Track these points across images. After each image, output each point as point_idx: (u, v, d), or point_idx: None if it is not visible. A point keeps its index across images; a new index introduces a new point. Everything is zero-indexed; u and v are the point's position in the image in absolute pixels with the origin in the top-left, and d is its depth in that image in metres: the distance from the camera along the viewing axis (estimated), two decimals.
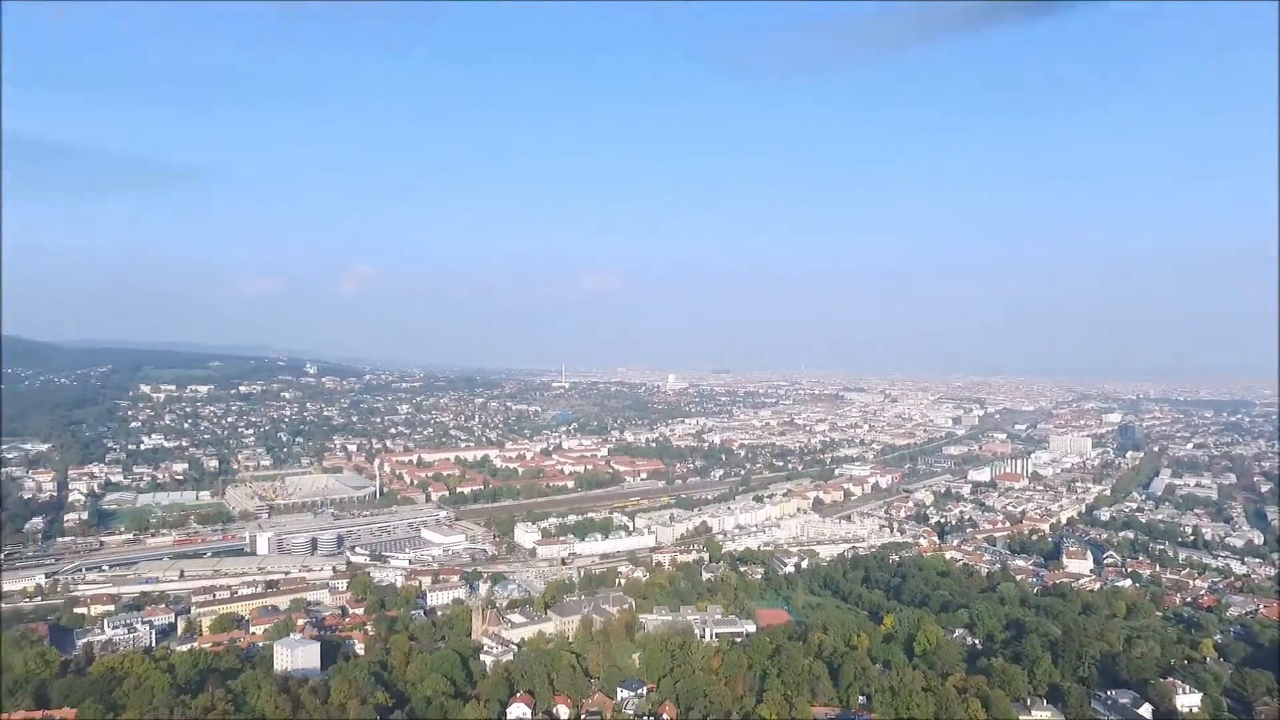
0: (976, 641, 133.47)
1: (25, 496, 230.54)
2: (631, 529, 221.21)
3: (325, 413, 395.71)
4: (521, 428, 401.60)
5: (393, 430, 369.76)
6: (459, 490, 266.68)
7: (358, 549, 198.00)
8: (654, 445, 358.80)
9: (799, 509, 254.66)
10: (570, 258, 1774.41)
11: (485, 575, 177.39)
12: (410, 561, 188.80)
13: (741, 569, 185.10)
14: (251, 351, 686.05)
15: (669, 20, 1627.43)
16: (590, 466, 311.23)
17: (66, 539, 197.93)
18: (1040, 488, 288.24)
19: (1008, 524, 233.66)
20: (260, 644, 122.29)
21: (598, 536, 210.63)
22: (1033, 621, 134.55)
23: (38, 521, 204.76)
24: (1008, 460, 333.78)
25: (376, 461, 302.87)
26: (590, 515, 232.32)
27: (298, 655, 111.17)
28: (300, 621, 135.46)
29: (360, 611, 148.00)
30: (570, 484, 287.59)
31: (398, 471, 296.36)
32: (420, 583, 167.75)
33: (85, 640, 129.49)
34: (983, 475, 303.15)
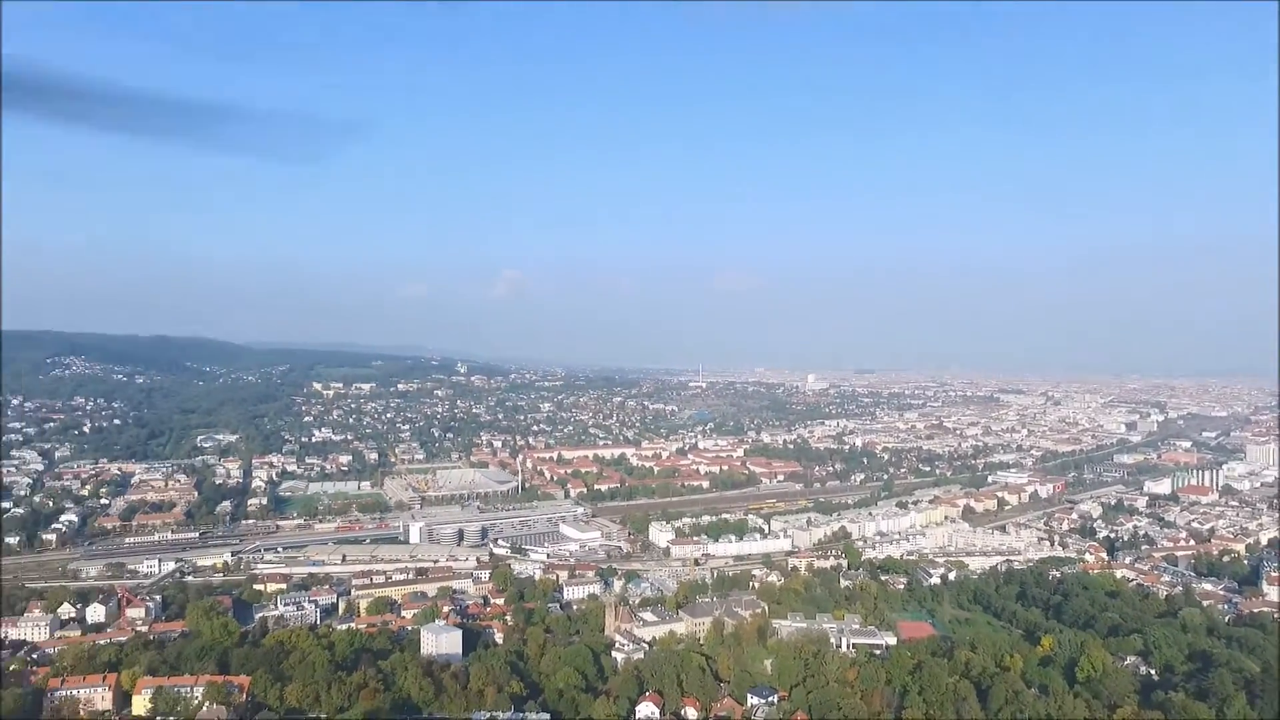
0: (1152, 672, 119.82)
1: (217, 482, 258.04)
2: (767, 531, 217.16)
3: (474, 410, 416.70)
4: (658, 427, 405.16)
5: (535, 428, 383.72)
6: (596, 487, 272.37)
7: (500, 541, 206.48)
8: (792, 447, 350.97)
9: (946, 517, 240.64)
10: (709, 257, 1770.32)
11: (620, 572, 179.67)
12: (549, 555, 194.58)
13: (883, 578, 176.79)
14: (409, 352, 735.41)
15: (818, 19, 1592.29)
16: (726, 467, 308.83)
17: (249, 521, 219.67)
18: (1234, 503, 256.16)
19: (1193, 542, 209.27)
20: (409, 627, 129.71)
21: (732, 538, 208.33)
22: (1223, 654, 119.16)
23: (226, 505, 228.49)
24: (1193, 471, 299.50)
25: (519, 458, 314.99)
26: (725, 516, 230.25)
27: (442, 641, 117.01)
28: (446, 609, 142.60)
29: (500, 602, 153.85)
30: (705, 484, 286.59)
31: (539, 468, 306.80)
32: (557, 576, 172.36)
33: (261, 614, 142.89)
34: (1162, 487, 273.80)
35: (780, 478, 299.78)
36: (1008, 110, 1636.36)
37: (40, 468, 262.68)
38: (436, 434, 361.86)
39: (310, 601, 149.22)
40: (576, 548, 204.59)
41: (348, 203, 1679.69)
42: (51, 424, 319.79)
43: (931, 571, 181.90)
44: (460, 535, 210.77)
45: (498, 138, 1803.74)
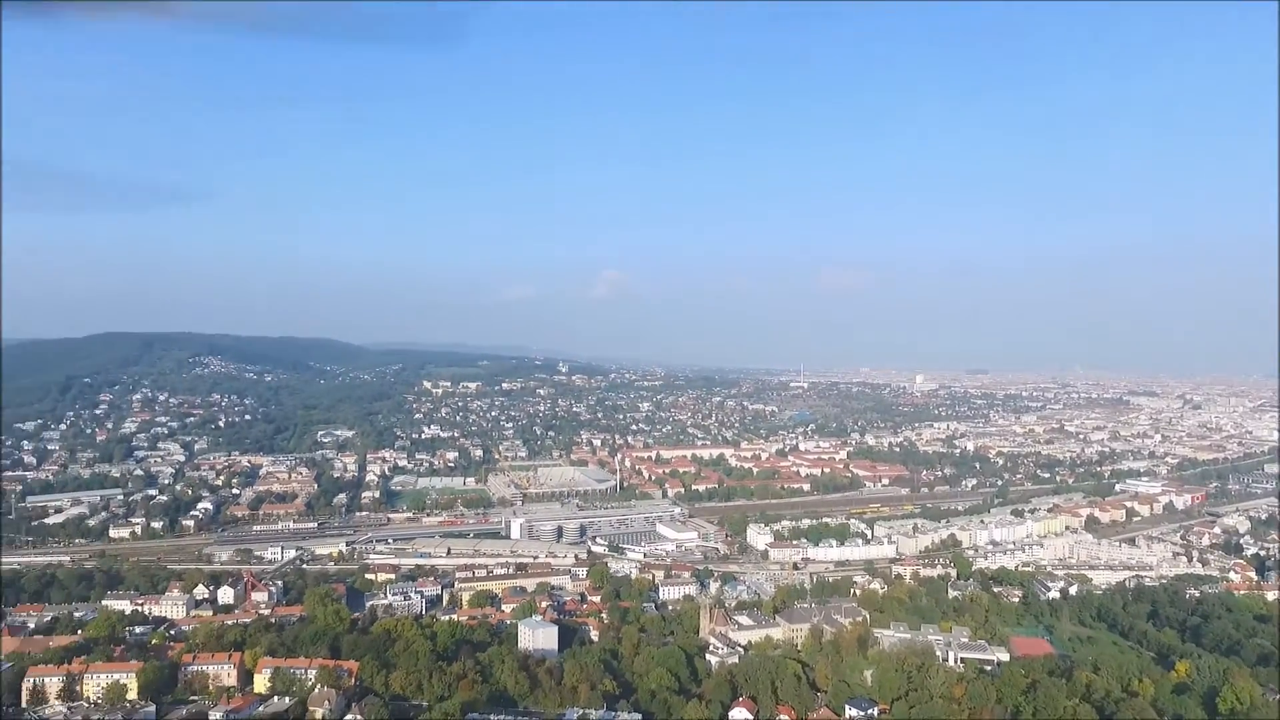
0: None
1: (335, 475, 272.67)
2: (870, 537, 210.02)
3: (574, 409, 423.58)
4: (757, 427, 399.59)
5: (634, 427, 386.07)
6: (694, 488, 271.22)
7: (598, 539, 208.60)
8: (897, 450, 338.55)
9: (1067, 527, 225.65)
10: (812, 254, 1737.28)
11: (716, 574, 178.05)
12: (645, 555, 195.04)
13: (995, 589, 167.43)
14: (513, 352, 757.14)
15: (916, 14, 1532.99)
16: (827, 469, 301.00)
17: (363, 514, 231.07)
18: None
19: None
20: (508, 621, 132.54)
21: (833, 542, 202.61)
22: None
23: (342, 497, 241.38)
24: None
25: (618, 457, 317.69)
26: (825, 520, 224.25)
27: (538, 636, 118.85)
28: (543, 604, 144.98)
29: (597, 599, 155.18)
30: (806, 486, 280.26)
31: (637, 467, 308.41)
32: (653, 576, 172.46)
33: (371, 603, 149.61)
34: None
35: (885, 482, 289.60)
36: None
37: (181, 459, 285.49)
38: (538, 432, 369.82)
39: (416, 592, 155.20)
40: (673, 548, 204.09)
41: (460, 206, 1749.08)
42: (191, 418, 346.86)
43: (1050, 585, 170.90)
44: (559, 532, 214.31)
45: (599, 138, 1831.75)
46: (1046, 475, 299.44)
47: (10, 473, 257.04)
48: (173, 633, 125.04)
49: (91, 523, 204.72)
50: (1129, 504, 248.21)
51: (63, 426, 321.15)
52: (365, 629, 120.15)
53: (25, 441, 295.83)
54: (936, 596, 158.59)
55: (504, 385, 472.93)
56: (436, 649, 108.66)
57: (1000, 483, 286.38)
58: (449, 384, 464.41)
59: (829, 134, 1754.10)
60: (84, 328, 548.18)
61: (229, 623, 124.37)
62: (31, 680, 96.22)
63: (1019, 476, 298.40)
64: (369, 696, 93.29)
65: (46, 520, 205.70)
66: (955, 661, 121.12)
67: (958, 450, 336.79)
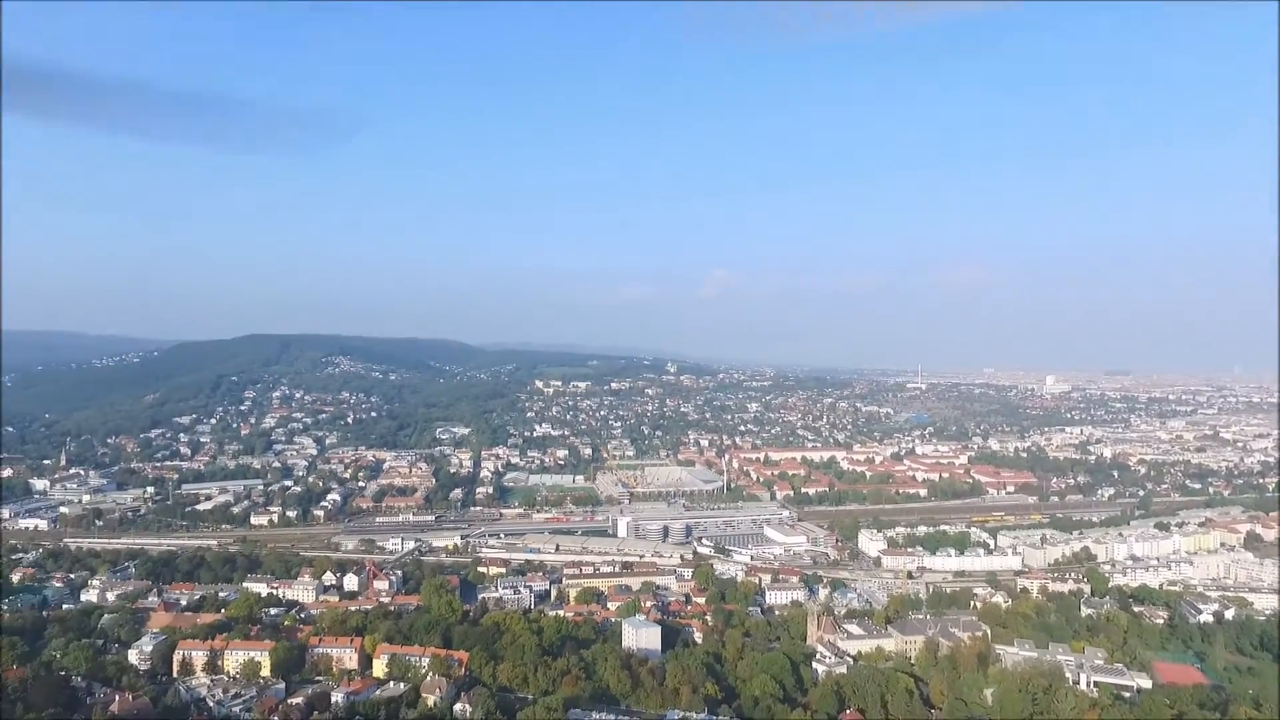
0: None
1: (451, 471, 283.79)
2: (992, 547, 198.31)
3: (682, 409, 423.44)
4: (871, 430, 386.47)
5: (742, 427, 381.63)
6: (803, 490, 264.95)
7: (704, 540, 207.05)
8: (1024, 455, 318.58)
9: (1223, 544, 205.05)
10: (931, 250, 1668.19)
11: (825, 580, 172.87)
12: (752, 558, 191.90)
13: (1135, 609, 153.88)
14: (623, 352, 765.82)
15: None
16: (946, 474, 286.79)
17: (477, 508, 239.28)
18: None
19: None
20: (612, 619, 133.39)
21: (951, 551, 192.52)
22: None
23: (458, 492, 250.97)
24: None
25: (725, 457, 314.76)
26: (944, 527, 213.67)
27: (641, 635, 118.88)
28: (648, 604, 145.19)
29: (701, 601, 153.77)
30: (922, 492, 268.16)
31: (745, 468, 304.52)
32: (760, 580, 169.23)
33: (483, 595, 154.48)
34: None
35: (1010, 489, 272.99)
36: None
37: (314, 452, 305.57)
38: (646, 431, 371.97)
39: (525, 586, 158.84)
40: (780, 551, 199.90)
41: (576, 209, 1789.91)
42: (323, 415, 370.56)
43: (1201, 607, 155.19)
44: (665, 532, 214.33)
45: (716, 140, 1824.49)
46: (1197, 486, 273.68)
47: (169, 463, 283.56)
48: (302, 616, 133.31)
49: (235, 510, 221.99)
50: None
51: (213, 421, 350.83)
52: (476, 621, 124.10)
53: (182, 434, 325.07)
54: (1067, 614, 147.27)
55: (613, 385, 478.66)
56: (542, 644, 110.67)
57: (1142, 493, 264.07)
58: (560, 383, 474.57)
59: (939, 126, 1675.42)
60: (233, 330, 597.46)
61: (352, 609, 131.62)
62: (181, 653, 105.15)
63: (1164, 487, 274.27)
64: (477, 686, 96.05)
65: (198, 507, 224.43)
66: (1088, 685, 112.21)
67: (1093, 457, 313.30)
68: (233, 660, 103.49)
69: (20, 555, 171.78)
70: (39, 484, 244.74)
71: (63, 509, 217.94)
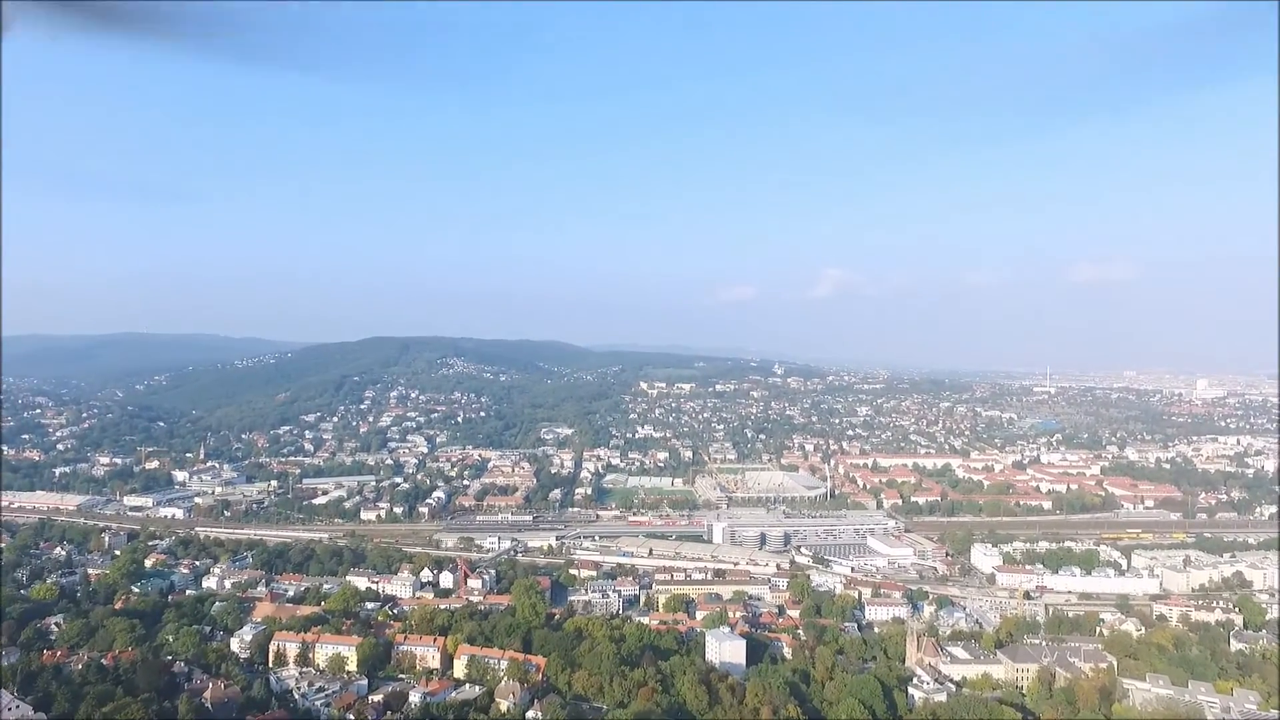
0: None
1: (552, 471, 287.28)
2: (1125, 568, 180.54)
3: (787, 412, 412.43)
4: (991, 436, 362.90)
5: (849, 432, 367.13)
6: (913, 499, 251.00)
7: (802, 549, 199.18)
8: (1168, 467, 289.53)
9: None
10: (1064, 247, 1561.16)
11: (931, 596, 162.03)
12: (852, 569, 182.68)
13: None
14: (730, 354, 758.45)
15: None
16: (1075, 486, 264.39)
17: (574, 509, 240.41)
18: None
19: None
20: (698, 629, 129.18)
21: (1076, 571, 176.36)
22: None
23: (557, 493, 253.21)
24: None
25: (830, 463, 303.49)
26: (1069, 544, 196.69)
27: (725, 648, 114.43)
28: (737, 614, 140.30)
29: (795, 614, 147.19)
30: (1046, 504, 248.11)
31: (851, 474, 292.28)
32: (859, 594, 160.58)
33: (572, 598, 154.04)
34: None
35: (1148, 503, 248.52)
36: None
37: (424, 450, 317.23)
38: (749, 435, 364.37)
39: (614, 591, 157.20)
40: (884, 564, 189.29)
41: (683, 209, 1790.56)
42: (436, 414, 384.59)
43: None
44: (762, 539, 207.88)
45: (824, 139, 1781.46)
46: None
47: (293, 458, 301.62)
48: (395, 611, 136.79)
49: (347, 505, 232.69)
50: None
51: (335, 419, 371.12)
52: (559, 625, 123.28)
53: (307, 431, 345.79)
54: (1213, 648, 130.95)
55: (717, 386, 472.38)
56: (622, 653, 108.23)
57: None
58: (664, 385, 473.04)
59: (1080, 117, 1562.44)
60: (359, 333, 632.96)
61: (442, 607, 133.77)
62: (277, 644, 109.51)
63: None
64: (551, 694, 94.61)
65: (315, 501, 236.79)
66: None
67: (1250, 470, 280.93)
68: (322, 654, 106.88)
69: (156, 541, 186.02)
70: (179, 475, 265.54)
71: (197, 499, 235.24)
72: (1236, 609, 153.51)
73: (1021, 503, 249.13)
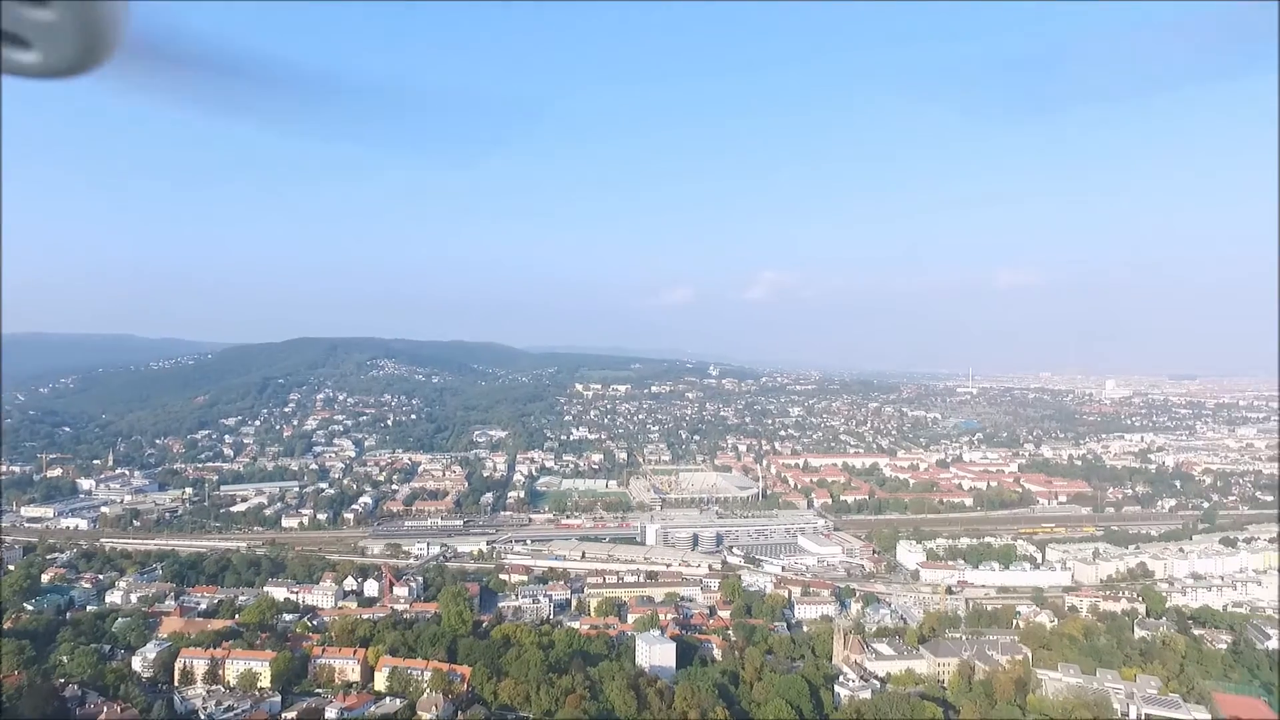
0: None
1: (485, 474, 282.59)
2: (1040, 561, 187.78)
3: (722, 413, 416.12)
4: (917, 436, 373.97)
5: (782, 432, 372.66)
6: (842, 498, 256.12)
7: (734, 549, 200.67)
8: (1079, 464, 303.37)
9: None
10: (989, 252, 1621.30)
11: (858, 594, 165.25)
12: (783, 569, 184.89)
13: (1195, 633, 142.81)
14: (667, 355, 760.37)
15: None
16: (994, 483, 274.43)
17: (507, 513, 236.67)
18: None
19: None
20: (630, 633, 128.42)
21: (995, 565, 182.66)
22: None
23: (489, 496, 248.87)
24: None
25: (763, 463, 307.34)
26: (988, 540, 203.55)
27: (655, 652, 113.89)
28: (669, 616, 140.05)
29: (726, 614, 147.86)
30: (968, 501, 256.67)
31: (783, 474, 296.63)
32: (789, 593, 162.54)
33: (502, 604, 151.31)
34: None
35: (1062, 499, 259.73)
36: None
37: (352, 455, 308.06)
38: (684, 436, 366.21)
39: (545, 596, 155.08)
40: (814, 562, 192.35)
41: (623, 211, 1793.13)
42: (364, 417, 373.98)
43: (1270, 631, 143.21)
44: (695, 540, 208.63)
45: (758, 138, 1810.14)
46: (1269, 499, 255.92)
47: (211, 464, 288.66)
48: (315, 623, 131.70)
49: (268, 512, 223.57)
50: None
51: (257, 423, 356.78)
52: (485, 633, 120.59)
53: (227, 436, 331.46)
54: (1119, 636, 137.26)
55: (653, 388, 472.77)
56: (550, 659, 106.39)
57: (1206, 505, 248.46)
58: (600, 386, 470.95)
59: (1001, 127, 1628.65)
60: (283, 333, 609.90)
61: (364, 616, 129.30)
62: (183, 661, 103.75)
63: (1231, 499, 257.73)
64: (476, 705, 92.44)
65: (233, 508, 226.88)
66: (1138, 718, 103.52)
67: (1153, 466, 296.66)
68: (233, 670, 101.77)
69: (56, 555, 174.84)
70: (85, 484, 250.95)
71: (104, 509, 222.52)
72: (1140, 598, 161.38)
73: (945, 500, 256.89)
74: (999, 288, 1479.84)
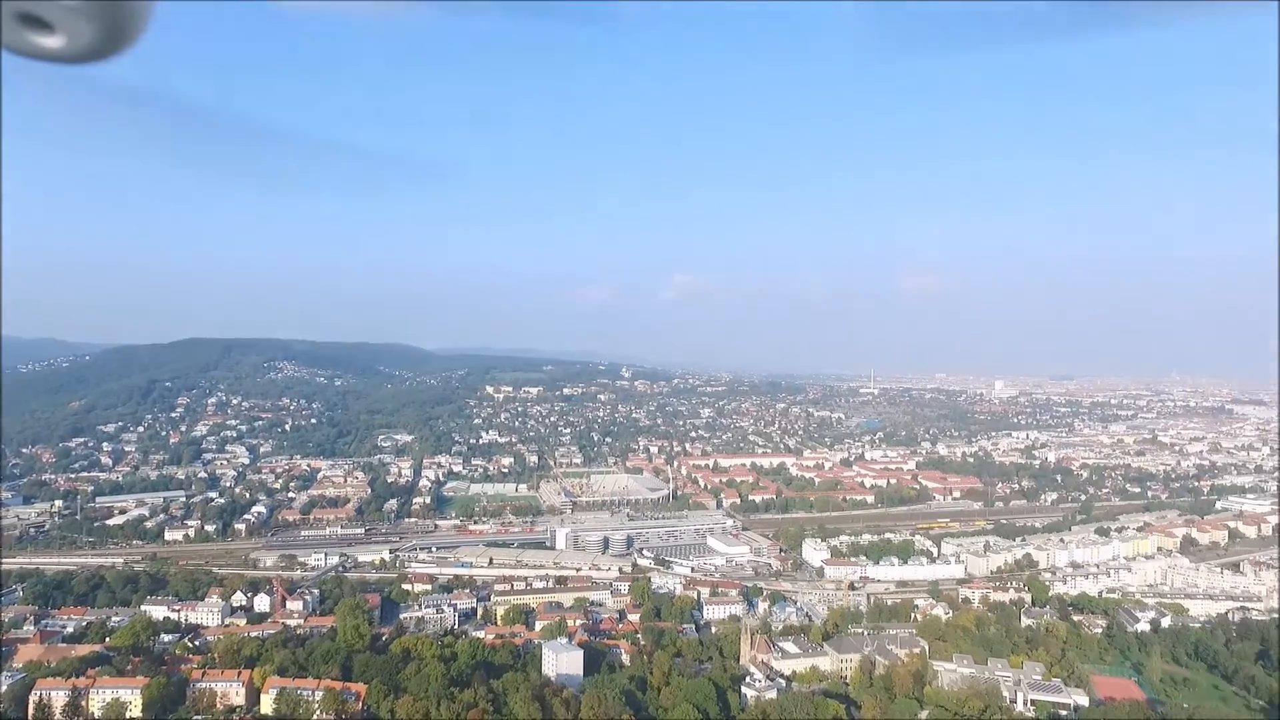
0: None
1: (389, 480, 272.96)
2: (935, 555, 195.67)
3: (633, 415, 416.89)
4: (822, 435, 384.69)
5: (693, 434, 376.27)
6: (751, 498, 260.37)
7: (645, 551, 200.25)
8: (971, 460, 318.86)
9: (1160, 549, 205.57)
10: (891, 256, 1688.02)
11: (765, 593, 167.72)
12: (692, 570, 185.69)
13: (1075, 618, 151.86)
14: (580, 357, 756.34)
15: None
16: (894, 480, 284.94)
17: (412, 520, 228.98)
18: None
19: None
20: (536, 641, 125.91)
21: (894, 561, 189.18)
22: None
23: (393, 503, 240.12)
24: None
25: (674, 464, 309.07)
26: (888, 536, 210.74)
27: (562, 660, 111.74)
28: (577, 622, 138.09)
29: (636, 618, 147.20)
30: (870, 499, 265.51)
31: (693, 475, 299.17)
32: (698, 594, 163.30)
33: (404, 615, 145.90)
34: None
35: (956, 495, 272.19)
36: None
37: (246, 462, 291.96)
38: (596, 438, 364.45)
39: (450, 605, 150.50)
40: (723, 562, 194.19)
41: (537, 211, 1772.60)
42: (260, 422, 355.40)
43: (1139, 615, 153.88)
44: (605, 543, 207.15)
45: (673, 138, 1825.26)
46: (1137, 490, 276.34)
47: (86, 474, 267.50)
48: (197, 643, 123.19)
49: (149, 525, 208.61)
50: (1232, 524, 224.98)
51: (140, 429, 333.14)
52: (384, 647, 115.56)
53: (105, 443, 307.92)
54: (1008, 625, 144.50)
55: (565, 390, 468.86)
56: (451, 673, 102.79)
57: (1084, 498, 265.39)
58: (510, 389, 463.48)
59: (905, 135, 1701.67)
60: (173, 334, 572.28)
61: (253, 634, 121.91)
62: (39, 693, 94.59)
63: (1105, 491, 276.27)
64: None
65: (110, 521, 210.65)
66: (1025, 704, 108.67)
67: (1037, 462, 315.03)
68: (98, 700, 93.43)
69: None
70: None
71: None
72: (1026, 588, 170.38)
73: (848, 498, 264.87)
74: (902, 291, 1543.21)
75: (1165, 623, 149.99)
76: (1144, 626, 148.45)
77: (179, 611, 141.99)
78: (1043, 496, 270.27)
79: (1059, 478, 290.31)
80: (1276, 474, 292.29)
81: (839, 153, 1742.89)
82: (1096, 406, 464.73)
